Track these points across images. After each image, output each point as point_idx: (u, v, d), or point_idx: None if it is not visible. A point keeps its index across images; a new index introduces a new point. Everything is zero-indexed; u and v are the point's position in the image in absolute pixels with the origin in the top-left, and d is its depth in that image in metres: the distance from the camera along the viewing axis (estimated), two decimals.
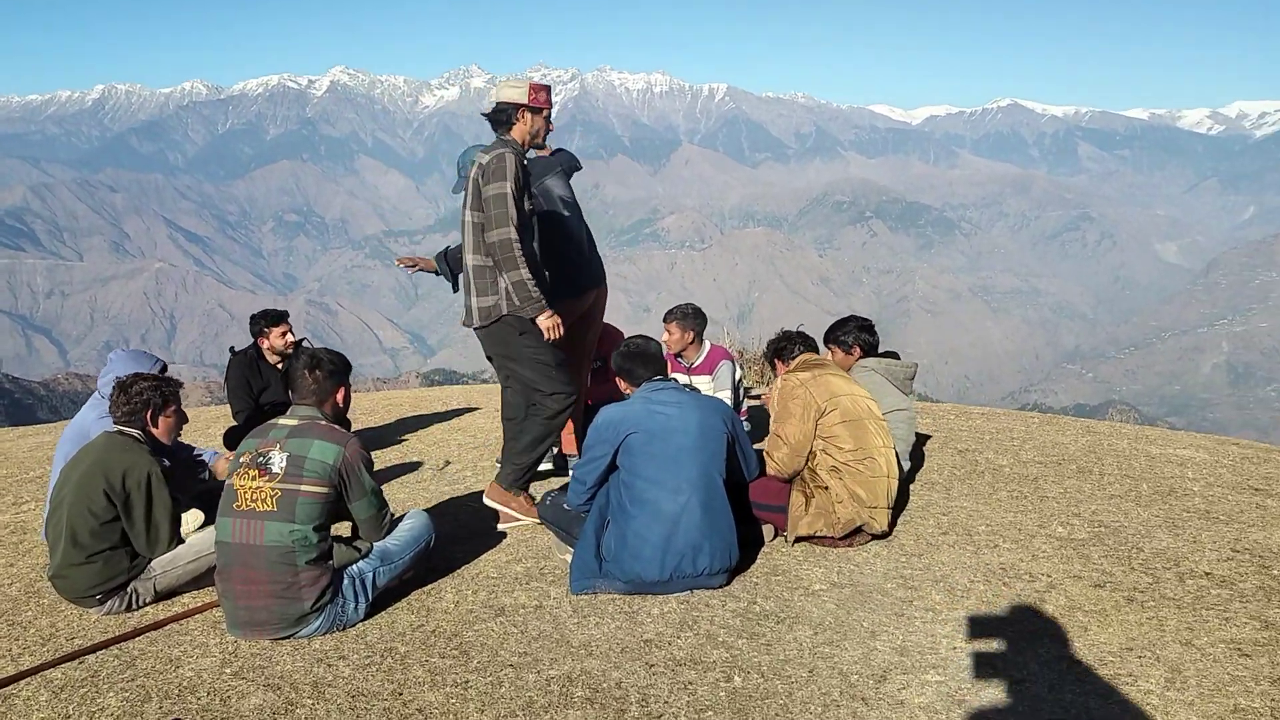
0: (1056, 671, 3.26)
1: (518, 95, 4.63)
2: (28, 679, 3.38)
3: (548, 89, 4.74)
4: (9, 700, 3.22)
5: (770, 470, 4.51)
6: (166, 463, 4.56)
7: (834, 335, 5.41)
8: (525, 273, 4.43)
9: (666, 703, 3.08)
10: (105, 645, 3.64)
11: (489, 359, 4.88)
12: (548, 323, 4.51)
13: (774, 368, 5.06)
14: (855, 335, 5.36)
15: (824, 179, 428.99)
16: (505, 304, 4.58)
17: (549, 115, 4.76)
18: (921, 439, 6.59)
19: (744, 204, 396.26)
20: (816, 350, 5.01)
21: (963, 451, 6.30)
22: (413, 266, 5.95)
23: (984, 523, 4.82)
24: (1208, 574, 4.09)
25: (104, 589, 3.89)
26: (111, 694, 3.25)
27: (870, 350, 5.35)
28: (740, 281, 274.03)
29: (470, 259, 4.63)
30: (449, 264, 5.75)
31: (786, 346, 4.96)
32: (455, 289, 5.38)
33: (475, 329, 4.72)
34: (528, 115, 4.66)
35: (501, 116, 4.66)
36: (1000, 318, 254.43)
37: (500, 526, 4.88)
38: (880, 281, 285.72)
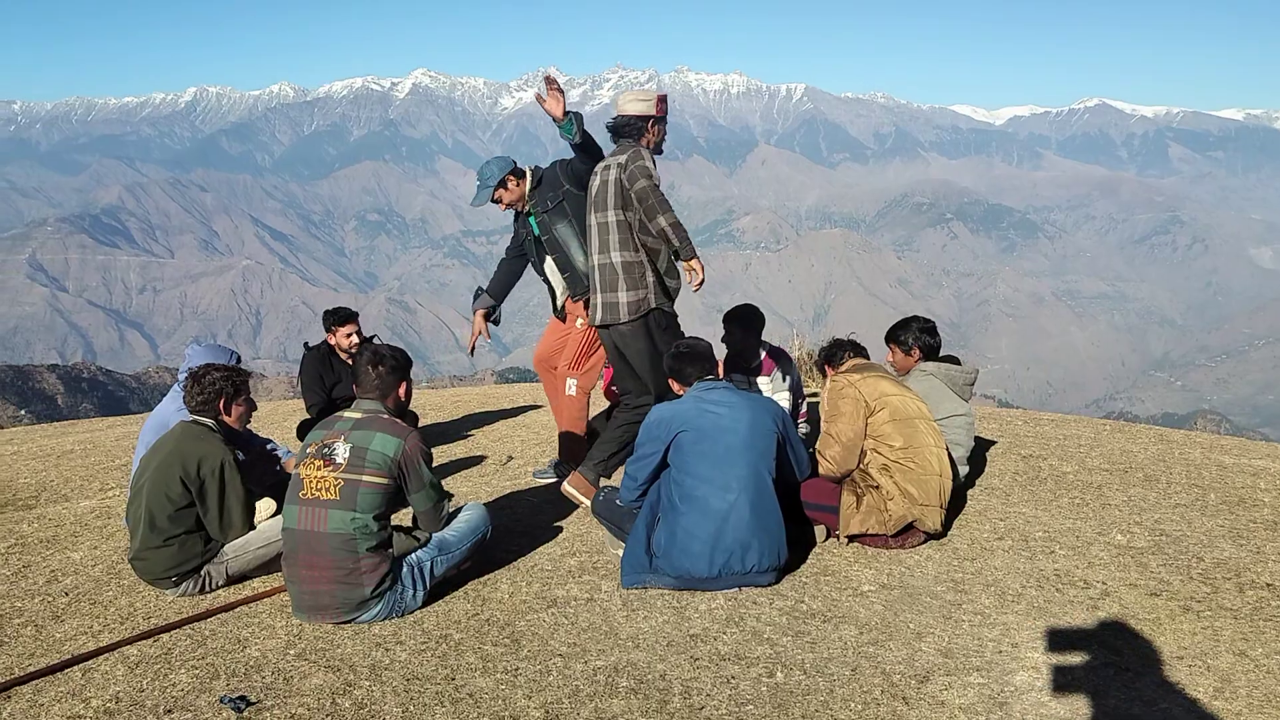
0: (1103, 677, 3.25)
1: (647, 108, 4.96)
2: (107, 654, 3.58)
3: (666, 97, 5.06)
4: (89, 673, 3.42)
5: (823, 470, 4.54)
6: (240, 455, 4.80)
7: (895, 335, 5.39)
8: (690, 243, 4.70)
9: (709, 695, 3.15)
10: (179, 625, 3.83)
11: (619, 355, 5.09)
12: (698, 265, 4.71)
13: (824, 374, 5.09)
14: (916, 336, 5.33)
15: (903, 180, 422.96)
16: (654, 297, 4.92)
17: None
18: (985, 444, 6.53)
19: (821, 205, 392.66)
20: (866, 356, 5.03)
21: (1026, 457, 6.23)
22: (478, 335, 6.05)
23: (1041, 529, 4.78)
24: (1269, 585, 4.01)
25: (179, 571, 4.10)
26: (183, 670, 3.43)
27: (931, 353, 5.32)
28: (816, 283, 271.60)
29: (614, 257, 4.90)
30: (490, 294, 5.99)
31: (836, 353, 5.00)
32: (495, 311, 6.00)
33: (618, 324, 4.93)
34: (656, 125, 5.00)
35: (631, 130, 4.95)
36: (1085, 323, 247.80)
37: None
38: (960, 284, 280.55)
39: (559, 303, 5.77)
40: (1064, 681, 3.22)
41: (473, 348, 6.13)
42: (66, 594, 4.25)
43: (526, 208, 5.62)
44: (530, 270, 5.96)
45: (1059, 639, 3.54)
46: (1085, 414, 9.58)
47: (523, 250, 5.85)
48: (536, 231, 5.61)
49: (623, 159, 4.81)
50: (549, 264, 5.68)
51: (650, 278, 4.91)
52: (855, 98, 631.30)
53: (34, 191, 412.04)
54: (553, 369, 5.86)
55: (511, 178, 5.55)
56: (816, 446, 4.61)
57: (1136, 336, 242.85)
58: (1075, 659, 3.39)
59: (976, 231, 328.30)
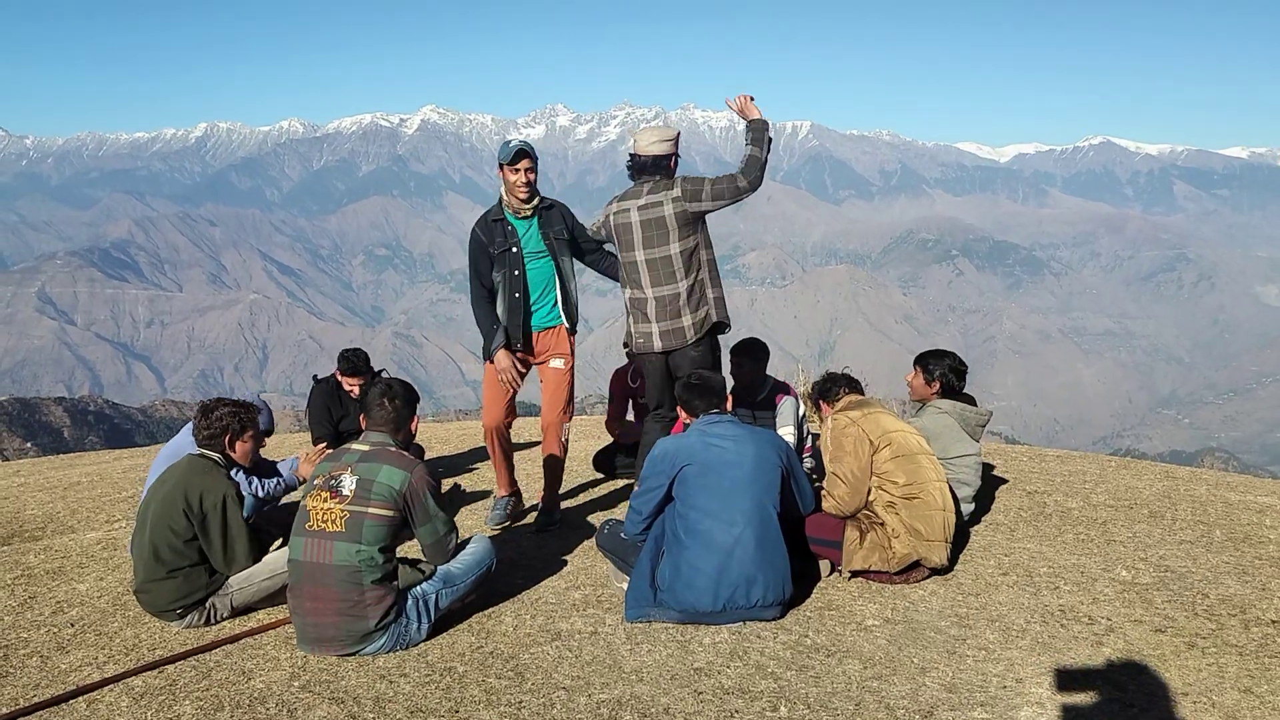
0: (1108, 713, 3.24)
1: (670, 148, 5.17)
2: (111, 685, 3.59)
3: (679, 134, 5.32)
4: (94, 705, 3.43)
5: (830, 509, 4.51)
6: (256, 487, 4.82)
7: (926, 361, 5.34)
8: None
9: None
10: (183, 656, 3.84)
11: (666, 378, 5.24)
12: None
13: (819, 409, 5.10)
14: (944, 372, 5.28)
15: (909, 216, 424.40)
16: (715, 312, 5.15)
17: None
18: (991, 480, 6.53)
19: (826, 241, 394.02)
20: (861, 391, 5.03)
21: (1031, 494, 6.23)
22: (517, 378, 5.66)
23: (1046, 564, 4.77)
24: (1275, 622, 4.00)
25: (184, 603, 4.11)
26: (188, 702, 3.43)
27: (950, 390, 5.31)
28: (822, 319, 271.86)
29: (679, 286, 5.07)
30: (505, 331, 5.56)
31: (830, 388, 5.01)
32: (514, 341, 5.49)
33: (684, 347, 5.11)
34: (675, 161, 5.22)
35: (657, 168, 5.14)
36: (1092, 360, 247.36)
37: None
38: (966, 321, 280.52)
39: (532, 330, 5.44)
40: (1069, 717, 3.22)
41: (518, 384, 5.46)
42: (72, 625, 4.26)
43: (527, 211, 5.40)
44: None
45: (1064, 675, 3.54)
46: (1092, 451, 9.55)
47: (491, 291, 5.46)
48: (531, 245, 5.40)
49: (675, 192, 5.02)
50: (524, 288, 5.37)
51: (711, 294, 5.15)
52: (861, 135, 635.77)
53: (44, 225, 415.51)
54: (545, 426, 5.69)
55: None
56: (824, 486, 4.60)
57: (1143, 374, 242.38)
58: (1080, 695, 3.38)
59: (982, 268, 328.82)
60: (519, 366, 5.37)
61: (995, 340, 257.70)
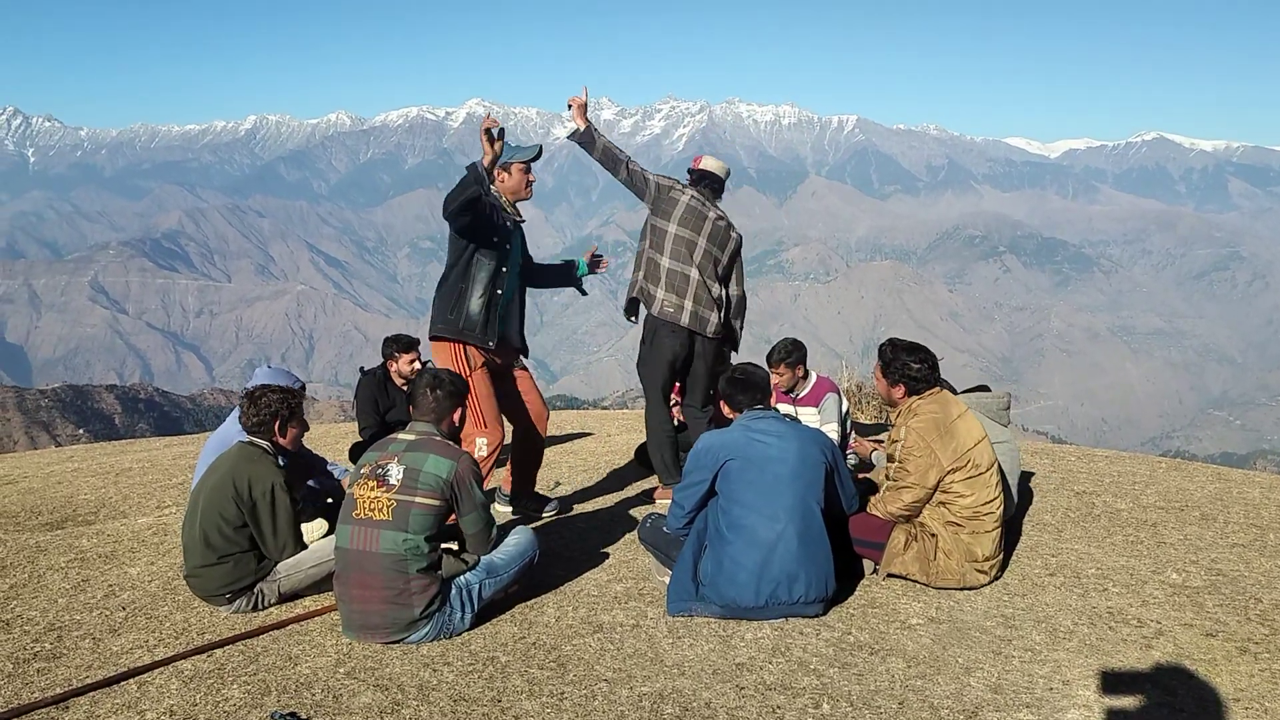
0: (1156, 718, 3.18)
1: (723, 171, 5.87)
2: (162, 668, 3.65)
3: None
4: (144, 687, 3.50)
5: (889, 512, 4.40)
6: (302, 472, 4.90)
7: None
8: None
9: None
10: (232, 641, 3.89)
11: (682, 364, 5.70)
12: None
13: (888, 384, 4.55)
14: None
15: (955, 212, 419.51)
16: (731, 329, 5.87)
17: None
18: (1038, 480, 6.44)
19: (871, 236, 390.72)
20: (937, 379, 4.56)
21: (1080, 494, 6.13)
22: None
23: (1094, 566, 4.70)
24: None
25: (233, 589, 4.18)
26: (235, 686, 3.49)
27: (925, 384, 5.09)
28: (865, 315, 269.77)
29: (713, 288, 5.65)
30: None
31: (918, 382, 4.48)
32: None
33: (706, 335, 5.64)
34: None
35: (717, 187, 5.83)
36: (1141, 359, 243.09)
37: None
38: (1013, 318, 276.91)
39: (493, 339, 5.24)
40: None
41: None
42: (123, 608, 4.35)
43: (517, 218, 5.37)
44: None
45: (1112, 678, 3.48)
46: (1141, 452, 9.38)
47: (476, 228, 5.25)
48: (515, 254, 5.33)
49: (734, 225, 5.80)
50: (500, 294, 5.23)
51: (729, 315, 5.84)
52: (907, 129, 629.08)
53: (98, 216, 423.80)
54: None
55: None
56: (885, 488, 4.48)
57: (1194, 374, 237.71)
58: (1128, 699, 3.33)
59: (1030, 265, 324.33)
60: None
61: (1042, 339, 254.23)
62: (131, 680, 3.54)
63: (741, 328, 5.97)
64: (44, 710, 3.30)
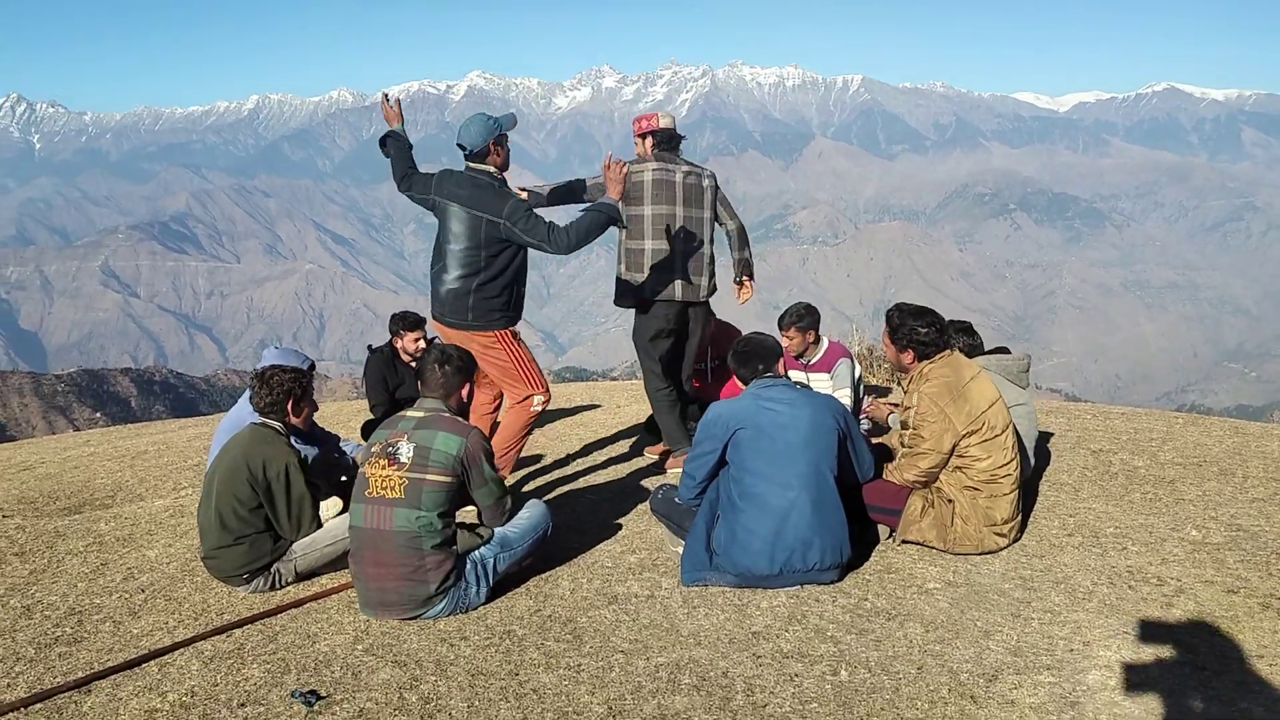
0: (1179, 676, 3.16)
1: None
2: (182, 650, 3.67)
3: None
4: (165, 668, 3.51)
5: (906, 479, 4.36)
6: (314, 451, 4.91)
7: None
8: None
9: (772, 693, 3.13)
10: (250, 621, 3.91)
11: (677, 334, 5.75)
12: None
13: (908, 349, 4.43)
14: (955, 339, 5.16)
15: (964, 170, 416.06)
16: (716, 281, 5.83)
17: None
18: (1053, 439, 6.40)
19: (879, 197, 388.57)
20: (947, 343, 4.47)
21: (1096, 452, 6.09)
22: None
23: (1113, 524, 4.67)
24: None
25: (250, 569, 4.19)
26: (255, 665, 3.50)
27: (973, 352, 5.16)
28: (875, 277, 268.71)
29: (708, 248, 5.72)
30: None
31: (929, 347, 4.38)
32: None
33: (701, 302, 5.76)
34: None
35: (679, 143, 5.76)
36: (1155, 314, 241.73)
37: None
38: (1025, 276, 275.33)
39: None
40: (1138, 680, 3.15)
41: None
42: (143, 591, 4.36)
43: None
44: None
45: (1132, 637, 3.46)
46: (1156, 407, 9.32)
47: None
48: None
49: (709, 172, 5.75)
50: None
51: (715, 266, 5.82)
52: (914, 88, 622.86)
53: (105, 200, 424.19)
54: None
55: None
56: (900, 455, 4.44)
57: (1209, 327, 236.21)
58: (1150, 658, 3.31)
59: (1041, 222, 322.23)
60: None
61: (1055, 295, 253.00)
62: (152, 662, 3.56)
63: (751, 256, 5.96)
64: (67, 694, 3.32)
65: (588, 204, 5.16)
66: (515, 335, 5.14)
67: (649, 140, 5.68)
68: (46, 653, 3.70)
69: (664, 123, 5.71)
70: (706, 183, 5.70)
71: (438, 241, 5.10)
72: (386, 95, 5.41)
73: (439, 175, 5.12)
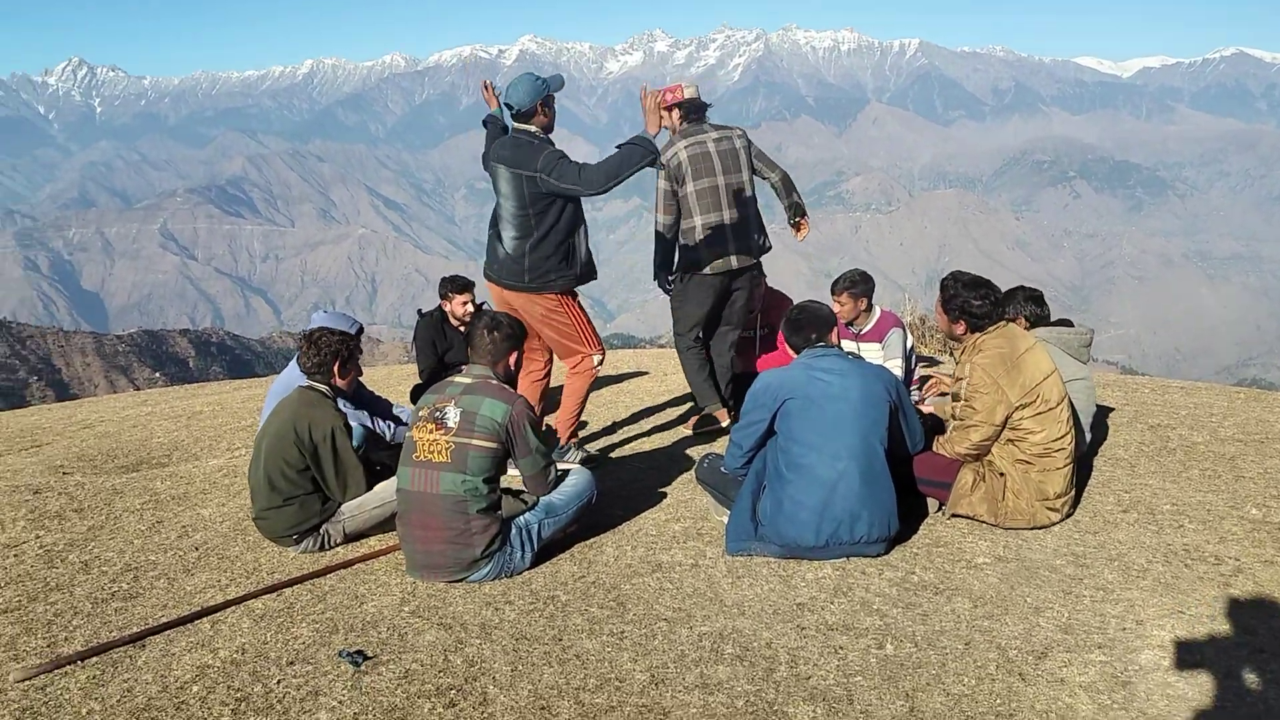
0: (1235, 658, 3.09)
1: None
2: (233, 607, 3.74)
3: None
4: (217, 625, 3.58)
5: (957, 452, 4.28)
6: (363, 415, 4.97)
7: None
8: None
9: (815, 665, 3.11)
10: (300, 580, 3.97)
11: (725, 300, 5.81)
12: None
13: (966, 320, 4.30)
14: (1021, 306, 5.08)
15: (1023, 137, 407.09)
16: (768, 239, 5.89)
17: None
18: (1109, 413, 6.26)
19: (935, 164, 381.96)
20: (1001, 314, 4.34)
21: (1154, 427, 5.95)
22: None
23: (1170, 501, 4.56)
24: None
25: (299, 530, 4.25)
26: (304, 624, 3.55)
27: (1039, 322, 5.08)
28: (929, 245, 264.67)
29: (751, 209, 5.75)
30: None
31: (989, 314, 4.24)
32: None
33: (753, 264, 5.80)
34: None
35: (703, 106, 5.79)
36: (1218, 285, 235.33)
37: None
38: (1083, 246, 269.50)
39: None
40: (1192, 661, 3.08)
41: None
42: (196, 549, 4.45)
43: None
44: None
45: (1187, 617, 3.38)
46: (1216, 381, 9.08)
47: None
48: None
49: (738, 132, 5.76)
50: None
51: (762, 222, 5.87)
52: (972, 52, 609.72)
53: (164, 164, 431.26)
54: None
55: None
56: (952, 428, 4.35)
57: (1273, 300, 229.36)
58: (1205, 638, 3.23)
59: (1101, 190, 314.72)
60: None
61: (1114, 266, 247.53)
62: (205, 619, 3.64)
63: (800, 199, 6.02)
64: (122, 648, 3.40)
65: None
66: (576, 299, 5.13)
67: (675, 113, 5.67)
68: (103, 607, 3.79)
69: (689, 93, 5.70)
70: (739, 143, 5.69)
71: (495, 205, 5.11)
72: (487, 84, 5.47)
73: (496, 141, 5.11)
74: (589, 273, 5.13)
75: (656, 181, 5.63)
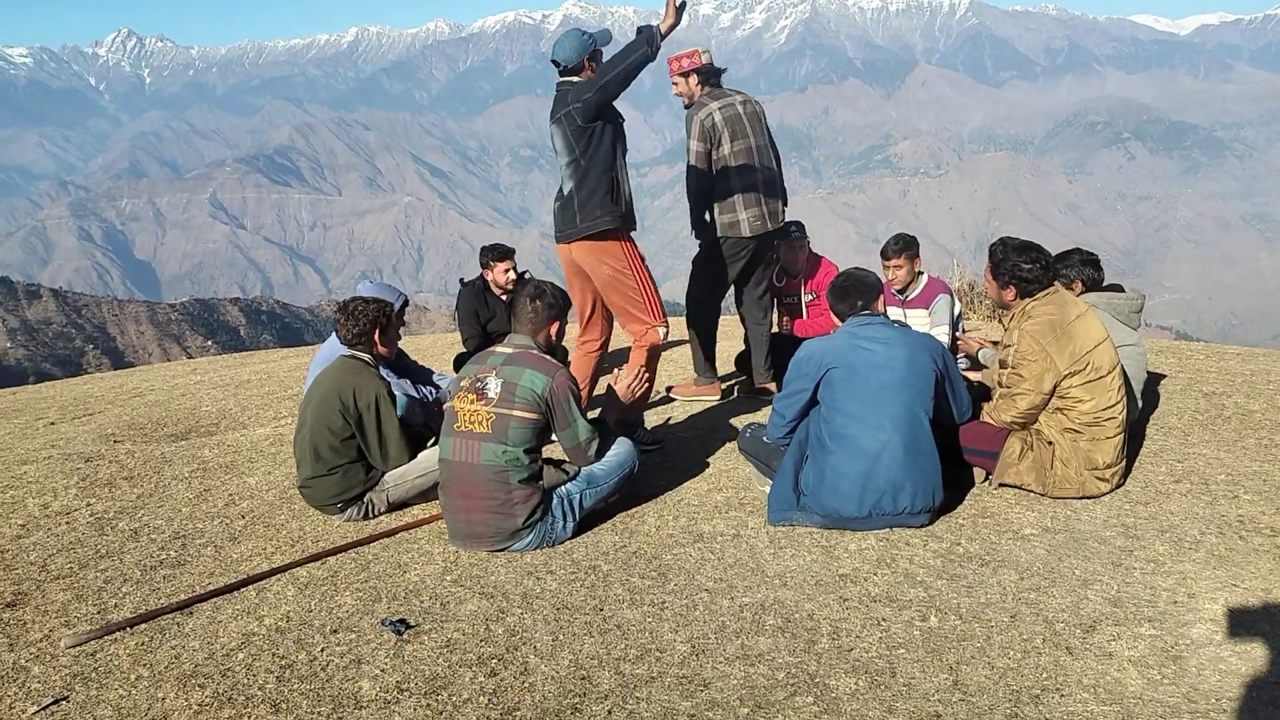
0: None
1: None
2: (279, 575, 3.79)
3: None
4: (263, 593, 3.63)
5: (1003, 419, 4.20)
6: (406, 384, 4.99)
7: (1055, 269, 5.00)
8: None
9: (858, 637, 3.08)
10: (344, 549, 4.01)
11: (751, 268, 5.89)
12: None
13: (1017, 286, 4.21)
14: (1079, 270, 4.96)
15: (1076, 98, 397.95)
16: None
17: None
18: (1162, 380, 6.12)
19: (985, 127, 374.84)
20: (1051, 280, 4.25)
21: (1209, 395, 5.80)
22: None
23: (1224, 471, 4.44)
24: None
25: (343, 499, 4.29)
26: (348, 593, 3.59)
27: (1093, 286, 4.96)
28: (979, 210, 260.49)
29: (777, 168, 5.83)
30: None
31: (1029, 283, 4.15)
32: None
33: (780, 227, 5.86)
34: None
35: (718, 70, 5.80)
36: (1276, 248, 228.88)
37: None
38: (1137, 209, 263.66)
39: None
40: (1246, 636, 3.00)
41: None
42: (243, 517, 4.52)
43: None
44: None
45: (1242, 590, 3.29)
46: (1274, 347, 8.83)
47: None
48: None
49: (750, 96, 5.78)
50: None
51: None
52: (1024, 10, 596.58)
53: (212, 134, 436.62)
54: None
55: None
56: (999, 395, 4.26)
57: None
58: (1259, 613, 3.14)
59: (1156, 152, 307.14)
60: None
61: (1169, 229, 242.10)
62: (250, 586, 3.68)
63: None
64: (170, 615, 3.46)
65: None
66: (637, 250, 5.01)
67: (693, 79, 5.64)
68: (151, 575, 3.86)
69: (705, 58, 5.68)
70: (759, 108, 5.77)
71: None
72: None
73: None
74: (631, 215, 5.00)
75: (690, 144, 5.56)
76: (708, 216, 5.78)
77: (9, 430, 6.92)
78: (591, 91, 4.58)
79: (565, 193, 4.89)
